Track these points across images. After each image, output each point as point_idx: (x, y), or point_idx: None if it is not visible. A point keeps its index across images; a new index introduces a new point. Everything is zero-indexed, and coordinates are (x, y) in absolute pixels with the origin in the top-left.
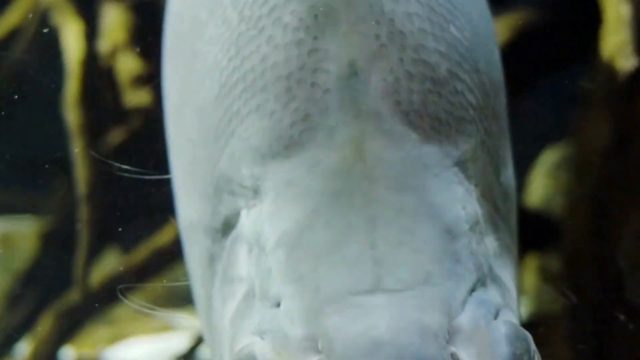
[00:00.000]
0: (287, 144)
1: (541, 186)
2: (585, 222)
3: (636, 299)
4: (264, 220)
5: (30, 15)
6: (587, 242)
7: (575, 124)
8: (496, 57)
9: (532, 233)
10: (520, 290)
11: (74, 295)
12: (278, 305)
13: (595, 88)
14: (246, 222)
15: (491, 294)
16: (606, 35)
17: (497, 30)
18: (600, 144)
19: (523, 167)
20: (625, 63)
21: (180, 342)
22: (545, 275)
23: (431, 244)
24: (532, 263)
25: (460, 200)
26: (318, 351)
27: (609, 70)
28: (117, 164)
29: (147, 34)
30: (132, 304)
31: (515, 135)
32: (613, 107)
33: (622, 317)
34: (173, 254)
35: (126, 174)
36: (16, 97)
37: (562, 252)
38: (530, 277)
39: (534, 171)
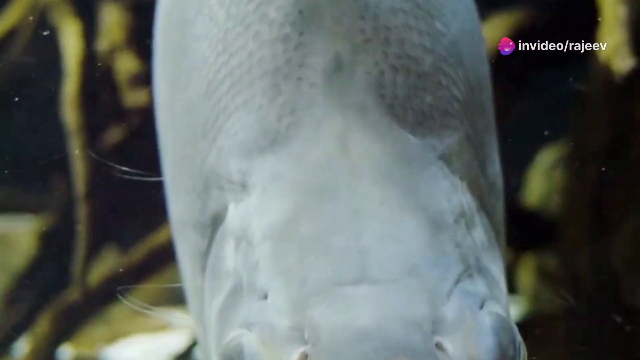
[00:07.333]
0: (274, 138)
1: (539, 186)
2: (582, 222)
3: (632, 300)
4: (251, 214)
5: (29, 16)
6: (584, 242)
7: (573, 124)
8: (482, 52)
9: (529, 233)
10: (517, 290)
11: (72, 295)
12: (265, 297)
13: (593, 88)
14: (234, 216)
15: (477, 285)
16: (603, 36)
17: (496, 30)
18: (597, 144)
19: (521, 167)
20: (622, 64)
21: (178, 341)
22: (543, 275)
23: (416, 235)
24: (529, 263)
25: (445, 193)
26: (304, 342)
27: (607, 70)
28: (117, 166)
29: (146, 33)
30: (129, 303)
31: (513, 135)
32: (610, 107)
33: (618, 319)
34: (171, 253)
35: (125, 175)
36: (15, 97)
37: (559, 252)
38: (528, 277)
39: (531, 171)
